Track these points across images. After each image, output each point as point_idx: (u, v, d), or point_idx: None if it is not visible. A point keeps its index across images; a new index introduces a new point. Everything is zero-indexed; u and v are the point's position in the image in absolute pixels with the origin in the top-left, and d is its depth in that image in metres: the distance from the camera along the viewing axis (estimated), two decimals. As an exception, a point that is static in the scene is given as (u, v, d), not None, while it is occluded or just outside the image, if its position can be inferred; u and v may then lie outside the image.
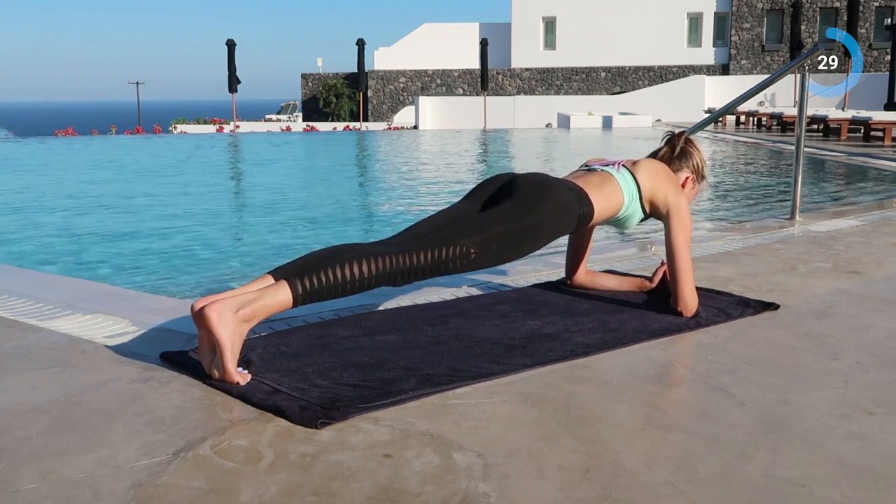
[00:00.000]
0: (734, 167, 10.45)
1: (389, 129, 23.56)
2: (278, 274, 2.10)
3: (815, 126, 14.80)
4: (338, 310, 2.67)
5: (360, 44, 23.95)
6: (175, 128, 25.04)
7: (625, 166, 2.68)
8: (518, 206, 2.34)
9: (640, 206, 2.66)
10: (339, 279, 2.07)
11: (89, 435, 1.70)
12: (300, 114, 37.68)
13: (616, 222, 2.71)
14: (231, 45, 21.26)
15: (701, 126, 4.94)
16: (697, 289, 2.66)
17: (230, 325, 1.93)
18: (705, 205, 6.78)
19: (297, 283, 2.03)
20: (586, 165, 2.77)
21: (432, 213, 2.47)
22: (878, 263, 3.49)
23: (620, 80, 32.56)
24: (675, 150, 2.83)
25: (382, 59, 34.64)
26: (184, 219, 6.54)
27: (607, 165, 2.69)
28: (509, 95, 30.20)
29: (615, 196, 2.59)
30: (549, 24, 33.57)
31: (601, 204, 2.55)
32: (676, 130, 2.93)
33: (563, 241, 2.89)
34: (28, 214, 6.74)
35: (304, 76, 36.18)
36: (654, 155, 2.89)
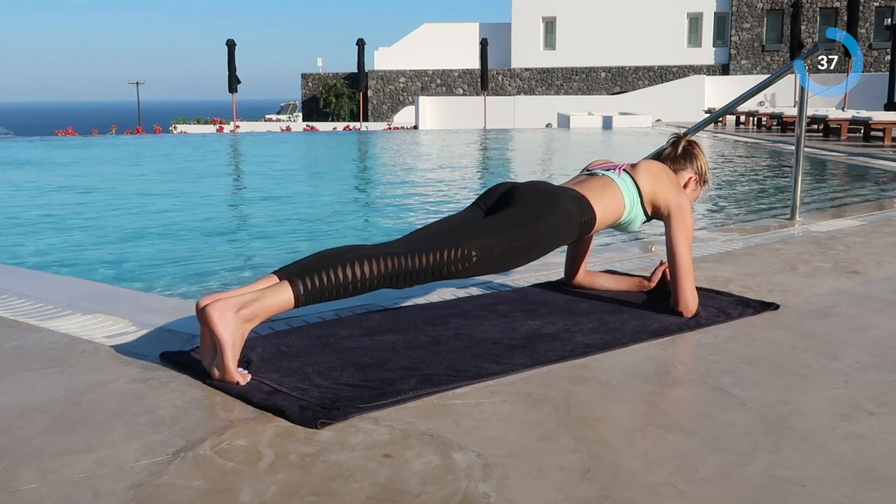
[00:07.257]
0: (734, 167, 10.44)
1: (389, 129, 23.55)
2: (281, 274, 2.11)
3: (815, 126, 14.80)
4: (338, 310, 2.67)
5: (360, 44, 23.94)
6: (175, 128, 25.04)
7: (625, 170, 2.68)
8: (521, 215, 2.36)
9: (641, 209, 2.66)
10: (340, 280, 2.07)
11: (89, 435, 1.70)
12: (300, 114, 37.68)
13: (619, 227, 2.71)
14: (231, 45, 21.25)
15: (701, 126, 4.93)
16: (697, 289, 2.66)
17: (231, 324, 1.94)
18: (706, 204, 6.77)
19: (300, 283, 2.04)
20: (588, 169, 2.78)
21: (434, 213, 2.48)
22: (878, 263, 3.49)
23: (620, 80, 32.56)
24: (680, 150, 2.84)
25: (382, 59, 34.64)
26: (184, 218, 6.53)
27: (608, 170, 2.69)
28: (509, 95, 30.19)
29: (616, 202, 2.60)
30: (549, 24, 33.56)
31: (602, 211, 2.56)
32: (682, 132, 2.94)
33: (563, 241, 2.88)
34: (27, 214, 6.75)
35: (304, 76, 36.19)
36: (658, 154, 2.89)
